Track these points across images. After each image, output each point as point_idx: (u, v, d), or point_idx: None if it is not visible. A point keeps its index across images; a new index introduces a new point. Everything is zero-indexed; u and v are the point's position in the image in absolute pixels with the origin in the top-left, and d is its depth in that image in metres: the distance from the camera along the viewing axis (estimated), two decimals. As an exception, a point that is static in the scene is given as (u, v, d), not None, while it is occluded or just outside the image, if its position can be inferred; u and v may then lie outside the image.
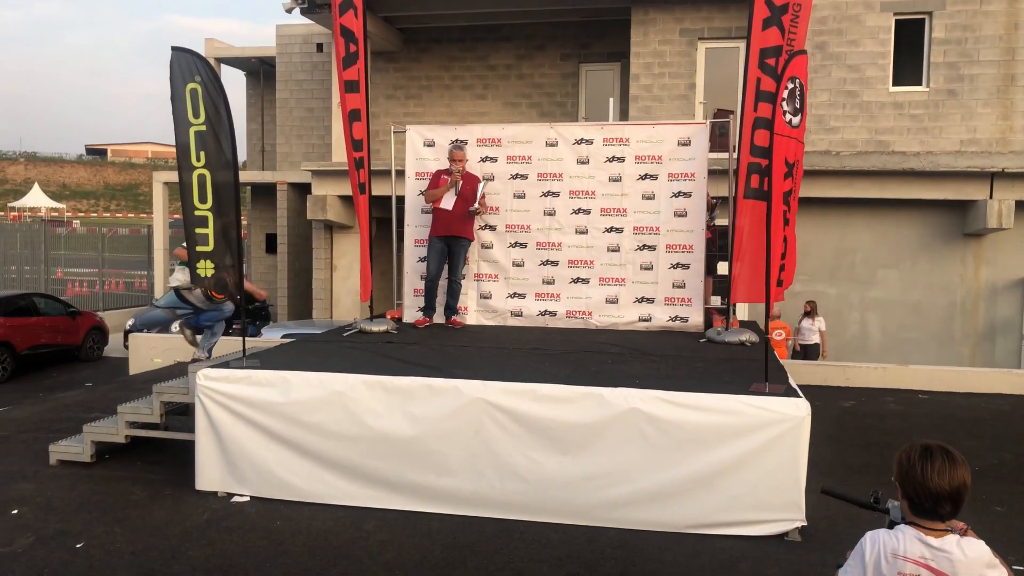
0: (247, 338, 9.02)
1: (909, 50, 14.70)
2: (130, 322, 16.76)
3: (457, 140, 8.83)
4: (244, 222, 24.19)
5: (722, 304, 9.03)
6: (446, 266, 8.64)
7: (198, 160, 6.41)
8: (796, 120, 5.96)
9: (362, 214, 8.58)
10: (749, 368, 6.34)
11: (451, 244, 8.55)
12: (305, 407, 5.93)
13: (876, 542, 2.47)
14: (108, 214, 61.03)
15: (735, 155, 8.19)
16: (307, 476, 5.95)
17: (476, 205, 8.51)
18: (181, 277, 8.08)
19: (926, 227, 14.39)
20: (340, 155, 16.77)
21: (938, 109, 14.51)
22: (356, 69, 8.47)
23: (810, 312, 13.62)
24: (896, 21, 14.64)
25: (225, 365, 6.31)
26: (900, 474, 2.49)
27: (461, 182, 8.44)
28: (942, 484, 2.40)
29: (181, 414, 7.19)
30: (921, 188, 13.86)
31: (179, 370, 9.45)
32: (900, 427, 8.30)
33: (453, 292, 8.69)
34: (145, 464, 7.05)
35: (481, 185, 8.57)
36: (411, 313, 9.08)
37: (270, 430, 6.00)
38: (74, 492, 6.35)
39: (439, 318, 8.83)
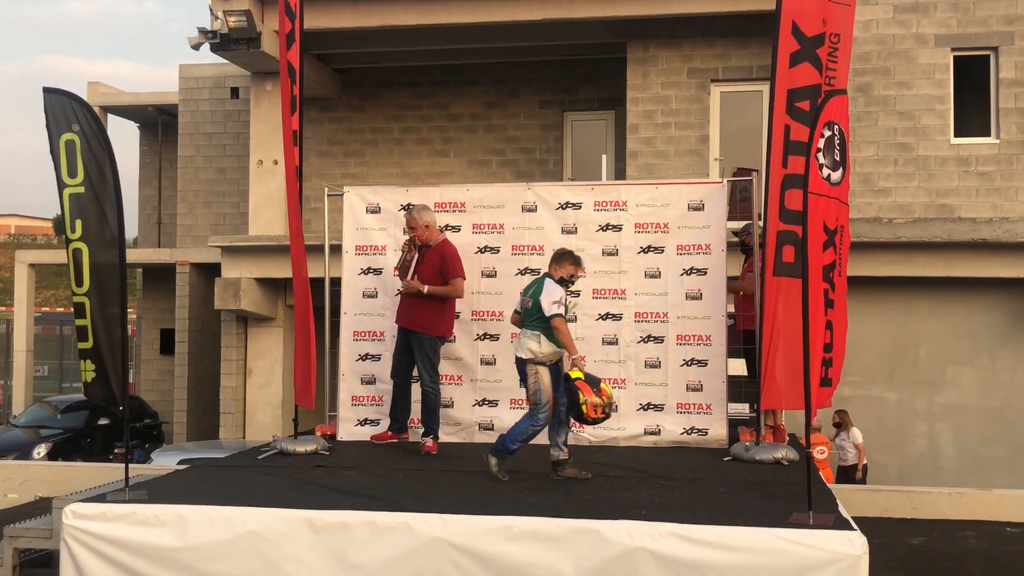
0: (134, 465, 8.87)
1: (973, 94, 15.18)
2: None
3: (410, 205, 8.90)
4: (132, 314, 24.06)
5: (751, 412, 9.03)
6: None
7: (73, 231, 6.42)
8: (837, 176, 6.10)
9: (302, 293, 8.57)
10: (787, 493, 6.31)
11: (410, 339, 8.50)
12: (207, 553, 5.80)
13: None
14: (-45, 306, 60.39)
15: (761, 223, 8.32)
16: (208, 647, 5.76)
17: (410, 281, 8.36)
18: None
19: (1006, 313, 14.57)
20: (260, 227, 16.84)
21: (1011, 165, 14.91)
22: (297, 117, 8.64)
23: (840, 423, 13.65)
24: (955, 58, 15.16)
25: (101, 499, 6.17)
26: None
27: (416, 257, 8.42)
28: None
29: (42, 566, 6.99)
30: (996, 263, 14.10)
31: (42, 507, 9.21)
32: (984, 570, 8.23)
33: (424, 404, 8.48)
34: (-10, 635, 6.79)
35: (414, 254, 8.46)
36: (347, 428, 8.98)
37: (160, 585, 5.82)
38: None
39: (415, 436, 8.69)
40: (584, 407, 6.81)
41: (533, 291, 7.26)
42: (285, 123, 8.68)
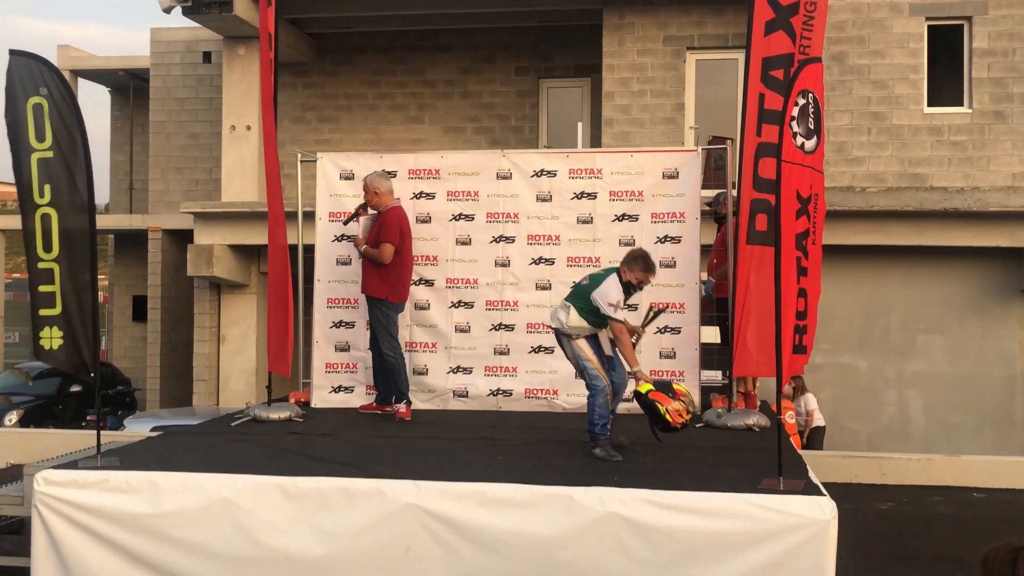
0: (106, 431, 8.83)
1: (947, 63, 15.24)
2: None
3: (382, 171, 8.85)
4: (103, 281, 23.90)
5: (723, 379, 9.09)
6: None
7: (41, 196, 6.35)
8: (811, 144, 6.10)
9: (279, 260, 8.54)
10: (758, 459, 6.36)
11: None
12: (179, 520, 5.79)
13: None
14: (-75, 273, 59.76)
15: (735, 192, 8.34)
16: (182, 613, 5.76)
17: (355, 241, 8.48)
18: None
19: (976, 281, 14.71)
20: (232, 193, 16.72)
21: (984, 135, 15.00)
22: (273, 82, 8.58)
23: (796, 388, 13.74)
24: (930, 28, 15.20)
25: (73, 465, 6.15)
26: None
27: (365, 220, 8.50)
28: None
29: (14, 532, 6.97)
30: (967, 232, 14.20)
31: (13, 474, 9.17)
32: (951, 535, 8.34)
33: (385, 371, 8.48)
34: (-39, 602, 6.77)
35: (362, 216, 8.51)
36: (321, 395, 8.98)
37: (133, 552, 5.82)
38: None
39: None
40: (668, 417, 6.45)
41: (594, 276, 6.96)
42: (265, 89, 8.62)
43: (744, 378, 8.70)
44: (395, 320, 8.52)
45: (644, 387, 6.54)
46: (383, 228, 8.33)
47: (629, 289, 6.84)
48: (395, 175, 8.98)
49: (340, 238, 9.10)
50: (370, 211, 8.48)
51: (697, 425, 7.88)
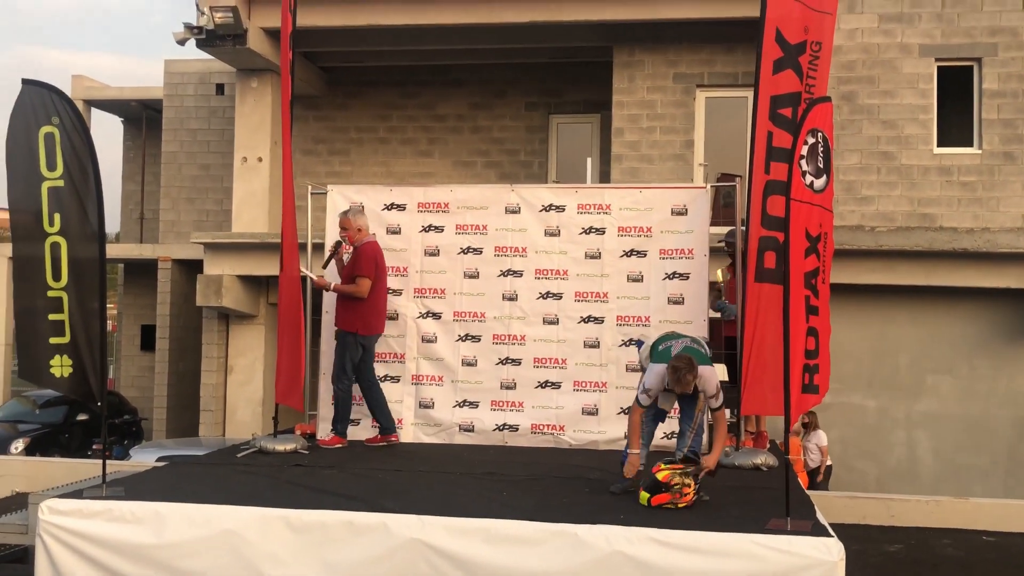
0: (111, 461, 8.80)
1: (956, 104, 15.27)
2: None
3: (360, 206, 8.88)
4: (112, 310, 23.95)
5: (731, 417, 9.04)
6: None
7: (51, 224, 6.37)
8: (820, 183, 6.11)
9: (291, 292, 8.60)
10: (765, 499, 6.31)
11: None
12: (183, 551, 5.76)
13: None
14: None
15: (743, 229, 8.35)
16: (183, 646, 5.72)
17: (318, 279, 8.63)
18: None
19: (985, 322, 14.66)
20: (243, 224, 16.78)
21: (993, 176, 15.00)
22: (289, 115, 8.63)
23: (808, 424, 13.67)
24: (939, 69, 15.25)
25: (78, 495, 6.13)
26: None
27: (345, 256, 8.64)
28: None
29: (18, 561, 6.93)
30: (977, 273, 14.18)
31: (18, 502, 9.14)
32: (960, 578, 8.25)
33: (373, 402, 8.64)
34: (-38, 632, 6.73)
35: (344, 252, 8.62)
36: (327, 427, 8.94)
37: (135, 582, 5.78)
38: None
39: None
40: (684, 504, 6.20)
41: (675, 343, 6.72)
42: (285, 122, 8.65)
43: (753, 417, 8.65)
44: (359, 352, 8.52)
45: (643, 497, 6.24)
46: (359, 262, 8.42)
47: (670, 388, 6.57)
48: (404, 208, 9.01)
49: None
50: (347, 247, 8.60)
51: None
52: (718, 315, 9.22)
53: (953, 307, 14.64)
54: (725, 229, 9.69)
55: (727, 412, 9.22)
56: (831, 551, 5.24)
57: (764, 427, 8.95)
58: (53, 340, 6.48)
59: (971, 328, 14.68)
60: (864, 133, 15.21)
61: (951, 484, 14.29)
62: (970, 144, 15.20)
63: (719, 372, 9.29)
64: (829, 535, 5.40)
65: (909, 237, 14.32)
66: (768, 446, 8.72)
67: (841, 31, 14.62)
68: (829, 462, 13.61)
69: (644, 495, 6.24)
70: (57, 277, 6.42)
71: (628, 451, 6.67)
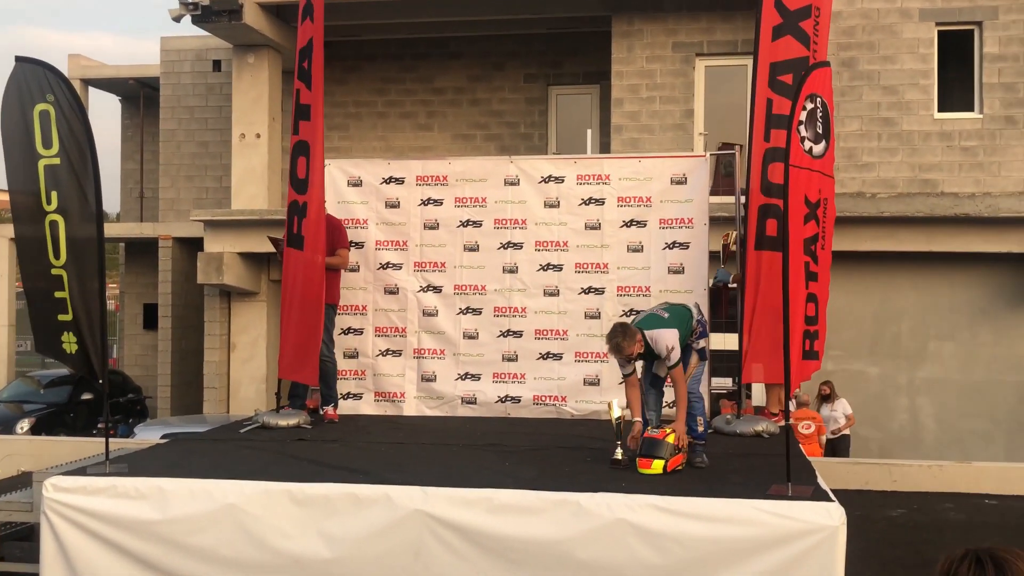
0: (116, 439, 8.84)
1: (957, 68, 15.20)
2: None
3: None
4: (114, 289, 23.98)
5: (732, 386, 9.06)
6: None
7: (49, 203, 6.36)
8: (819, 149, 6.09)
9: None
10: (767, 466, 6.33)
11: None
12: (188, 526, 5.78)
13: None
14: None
15: (743, 198, 8.33)
16: (189, 619, 5.76)
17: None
18: None
19: (987, 287, 14.66)
20: (242, 201, 16.76)
21: (995, 140, 14.95)
22: (311, 92, 8.38)
23: (828, 395, 13.69)
24: (940, 33, 15.16)
25: (81, 472, 6.15)
26: None
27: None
28: None
29: (23, 539, 6.97)
30: (979, 239, 14.16)
31: (23, 481, 9.20)
32: (963, 542, 8.28)
33: (321, 373, 8.53)
34: (-30, 610, 6.79)
35: None
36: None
37: (142, 557, 5.81)
38: None
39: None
40: (668, 466, 6.21)
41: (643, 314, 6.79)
42: (294, 100, 8.47)
43: (775, 395, 8.52)
44: (334, 323, 8.63)
45: (657, 466, 6.19)
46: (338, 235, 8.49)
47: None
48: (403, 181, 8.99)
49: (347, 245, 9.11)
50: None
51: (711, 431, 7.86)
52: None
53: (955, 273, 14.63)
54: (725, 199, 9.66)
55: (730, 380, 9.27)
56: (832, 516, 5.26)
57: (781, 405, 8.87)
58: (60, 317, 6.50)
59: (973, 294, 14.68)
60: (864, 99, 15.14)
61: (953, 450, 14.35)
62: (971, 109, 15.14)
63: (721, 341, 9.33)
64: (830, 500, 5.42)
65: (910, 203, 14.28)
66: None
67: (840, -3, 14.55)
68: (845, 432, 13.64)
69: (658, 463, 6.17)
70: (57, 255, 6.42)
71: (632, 420, 6.68)
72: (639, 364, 6.69)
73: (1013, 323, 14.61)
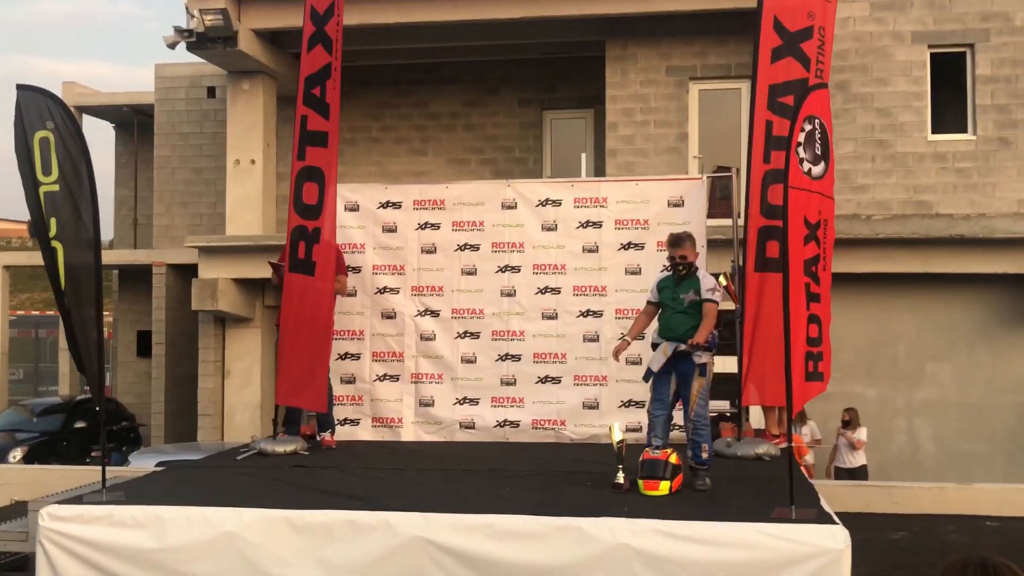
0: (110, 467, 8.77)
1: (950, 90, 15.27)
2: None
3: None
4: (108, 316, 23.88)
5: (732, 408, 9.04)
6: None
7: (50, 230, 6.35)
8: (818, 170, 6.10)
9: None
10: (769, 489, 6.30)
11: None
12: (186, 554, 5.76)
13: None
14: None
15: (740, 221, 8.33)
16: (187, 649, 5.70)
17: None
18: None
19: (983, 309, 14.66)
20: (237, 227, 16.73)
21: (988, 162, 15.00)
22: (328, 120, 8.35)
23: (848, 422, 13.56)
24: (932, 55, 15.24)
25: (78, 500, 6.11)
26: None
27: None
28: None
29: (18, 569, 6.90)
30: (974, 259, 14.18)
31: (17, 511, 9.13)
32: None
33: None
34: (-35, 641, 6.70)
35: None
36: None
37: (138, 587, 5.76)
38: None
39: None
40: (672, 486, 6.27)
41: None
42: (297, 129, 8.41)
43: (775, 417, 8.53)
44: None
45: (664, 487, 6.27)
46: (340, 262, 8.55)
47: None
48: (400, 206, 9.00)
49: (345, 270, 9.09)
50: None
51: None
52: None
53: (951, 294, 14.64)
54: (722, 221, 9.67)
55: (729, 403, 9.25)
56: (837, 538, 5.24)
57: (783, 428, 8.84)
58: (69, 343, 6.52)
59: (969, 315, 14.69)
60: (858, 121, 15.20)
61: (953, 471, 14.30)
62: (964, 130, 15.19)
63: (720, 364, 9.31)
64: (835, 523, 5.40)
65: (905, 225, 14.32)
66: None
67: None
68: (863, 461, 13.49)
69: (664, 484, 6.22)
70: (55, 282, 6.42)
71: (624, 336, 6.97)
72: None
73: (1010, 344, 14.61)
